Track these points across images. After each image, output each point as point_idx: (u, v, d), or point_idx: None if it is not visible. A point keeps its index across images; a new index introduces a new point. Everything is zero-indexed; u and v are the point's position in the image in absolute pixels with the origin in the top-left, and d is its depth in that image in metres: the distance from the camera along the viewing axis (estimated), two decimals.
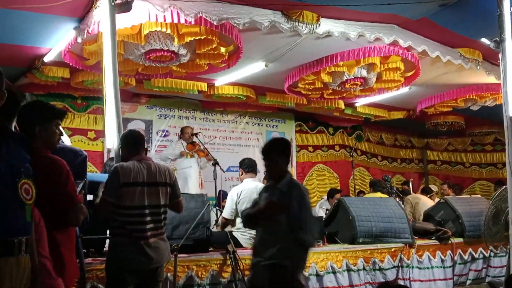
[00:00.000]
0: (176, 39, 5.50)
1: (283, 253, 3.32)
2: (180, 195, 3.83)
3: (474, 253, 6.59)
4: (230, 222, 5.55)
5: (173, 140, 9.28)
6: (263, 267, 3.35)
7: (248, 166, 5.68)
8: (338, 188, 10.61)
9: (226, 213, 5.50)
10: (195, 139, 8.09)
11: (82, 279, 3.65)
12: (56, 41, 5.97)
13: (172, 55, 5.92)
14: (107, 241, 4.44)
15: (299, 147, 11.32)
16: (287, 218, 3.35)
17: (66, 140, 4.73)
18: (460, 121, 10.89)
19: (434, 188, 9.72)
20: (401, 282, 5.67)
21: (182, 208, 3.93)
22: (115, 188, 3.44)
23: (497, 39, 5.40)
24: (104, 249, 4.40)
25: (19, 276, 2.18)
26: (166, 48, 5.72)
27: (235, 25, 5.31)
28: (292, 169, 11.03)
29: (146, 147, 3.84)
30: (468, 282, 6.61)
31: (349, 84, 7.39)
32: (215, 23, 5.19)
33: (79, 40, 5.45)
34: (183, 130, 8.35)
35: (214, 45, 5.80)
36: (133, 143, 3.73)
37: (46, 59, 6.43)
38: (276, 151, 3.62)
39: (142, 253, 3.43)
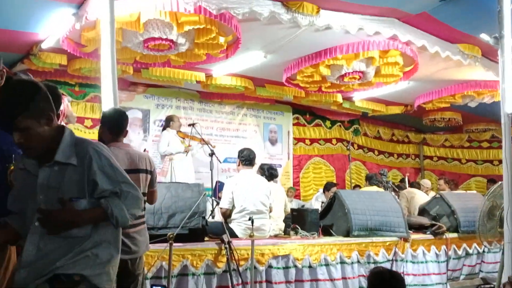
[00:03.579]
0: (175, 28, 5.48)
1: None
2: (156, 185, 3.77)
3: (468, 249, 6.63)
4: (230, 211, 5.52)
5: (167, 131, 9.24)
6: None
7: (246, 159, 5.67)
8: (334, 181, 10.64)
9: (224, 202, 5.49)
10: (191, 129, 8.02)
11: None
12: (54, 27, 5.92)
13: (171, 44, 5.89)
14: None
15: (296, 140, 11.33)
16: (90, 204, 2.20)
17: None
18: (458, 117, 10.91)
19: (427, 183, 9.74)
20: None
21: (156, 199, 3.86)
22: None
23: (497, 35, 5.38)
24: None
25: (3, 264, 2.15)
26: (164, 37, 5.68)
27: (234, 15, 5.28)
28: (289, 162, 11.05)
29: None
30: (462, 277, 6.65)
31: (347, 78, 7.38)
32: (214, 13, 5.17)
33: (78, 26, 5.42)
34: (172, 118, 8.02)
35: (213, 35, 5.77)
36: (119, 126, 3.56)
37: (44, 45, 6.39)
38: (23, 111, 2.06)
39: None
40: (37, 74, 7.32)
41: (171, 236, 4.01)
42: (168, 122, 7.99)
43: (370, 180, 8.13)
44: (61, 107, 4.50)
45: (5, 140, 2.21)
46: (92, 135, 8.41)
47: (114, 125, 3.56)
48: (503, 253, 5.28)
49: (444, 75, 8.06)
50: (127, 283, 3.42)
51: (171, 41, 5.83)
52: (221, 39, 6.04)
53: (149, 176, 3.58)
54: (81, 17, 5.28)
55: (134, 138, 8.87)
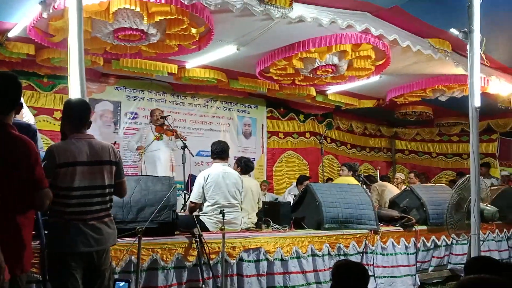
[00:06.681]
0: (145, 18, 5.37)
1: None
2: (124, 176, 3.57)
3: (437, 241, 6.74)
4: (198, 206, 5.51)
5: (141, 122, 9.14)
6: None
7: (215, 153, 5.67)
8: (308, 175, 10.69)
9: (194, 196, 5.47)
10: (164, 121, 8.01)
11: (43, 261, 3.55)
12: (21, 16, 5.75)
13: (141, 34, 5.79)
14: None
15: (270, 133, 11.33)
16: None
17: (29, 116, 4.59)
18: (429, 111, 11.05)
19: (400, 176, 9.89)
20: None
21: (126, 191, 3.63)
22: (51, 169, 3.15)
23: (466, 30, 5.46)
24: None
25: None
26: (135, 27, 5.57)
27: (206, 5, 5.20)
28: (262, 155, 11.05)
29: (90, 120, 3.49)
30: (431, 268, 6.77)
31: (320, 71, 7.38)
32: (186, 3, 5.08)
33: (45, 15, 5.27)
34: (152, 112, 8.29)
35: (185, 26, 5.67)
36: (78, 117, 3.39)
37: (11, 34, 6.21)
38: None
39: (80, 235, 3.21)
40: (4, 64, 7.14)
41: (140, 230, 3.96)
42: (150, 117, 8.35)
43: (350, 169, 8.19)
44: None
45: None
46: None
47: (73, 116, 3.40)
48: (470, 245, 5.39)
49: (415, 69, 8.14)
50: (92, 278, 3.31)
51: (142, 31, 5.73)
52: (193, 30, 5.96)
53: (113, 167, 3.42)
54: (48, 5, 5.13)
55: (105, 131, 8.73)
